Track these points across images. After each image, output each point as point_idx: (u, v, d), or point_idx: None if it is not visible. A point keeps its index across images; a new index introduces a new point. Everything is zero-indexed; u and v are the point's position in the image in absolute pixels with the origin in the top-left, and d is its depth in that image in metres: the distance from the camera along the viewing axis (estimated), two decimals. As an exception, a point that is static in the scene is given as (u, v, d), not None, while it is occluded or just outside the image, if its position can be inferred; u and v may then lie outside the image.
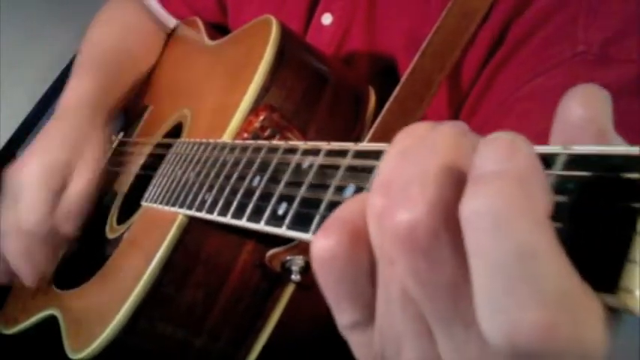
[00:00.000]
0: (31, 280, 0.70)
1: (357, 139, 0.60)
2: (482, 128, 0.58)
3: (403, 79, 0.58)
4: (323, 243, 0.24)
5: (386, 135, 0.57)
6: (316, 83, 0.58)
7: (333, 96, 0.59)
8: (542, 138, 0.50)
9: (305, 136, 0.55)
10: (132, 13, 0.93)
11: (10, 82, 1.10)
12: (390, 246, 0.21)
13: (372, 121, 0.60)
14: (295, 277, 0.52)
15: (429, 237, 0.20)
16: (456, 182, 0.21)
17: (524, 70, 0.55)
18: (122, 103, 0.85)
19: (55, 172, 0.70)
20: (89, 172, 0.72)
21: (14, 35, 1.11)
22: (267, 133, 0.53)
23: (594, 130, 0.21)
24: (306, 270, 0.51)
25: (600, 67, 0.52)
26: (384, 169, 0.24)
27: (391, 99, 0.57)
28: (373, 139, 0.57)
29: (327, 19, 0.71)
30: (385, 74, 0.67)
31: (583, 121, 0.21)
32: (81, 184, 0.71)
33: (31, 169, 0.70)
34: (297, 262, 0.52)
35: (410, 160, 0.22)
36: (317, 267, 0.24)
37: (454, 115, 0.63)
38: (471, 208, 0.19)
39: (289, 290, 0.54)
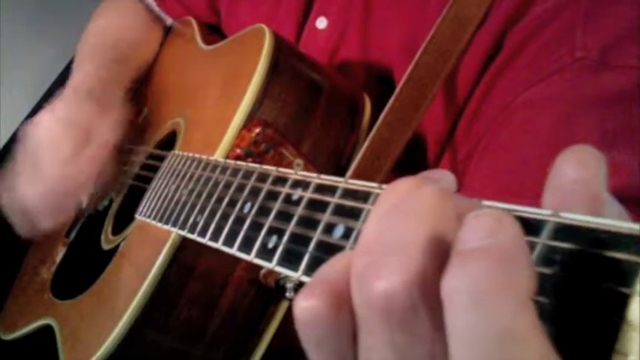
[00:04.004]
0: (45, 228, 0.71)
1: (353, 149, 0.60)
2: (482, 137, 0.57)
3: (398, 88, 0.57)
4: (306, 304, 0.23)
5: (382, 146, 0.56)
6: (310, 94, 0.58)
7: (327, 107, 0.58)
8: (544, 148, 0.50)
9: (299, 150, 0.54)
10: (130, 8, 0.92)
11: (10, 82, 1.10)
12: (368, 314, 0.21)
13: (368, 130, 0.60)
14: (290, 294, 0.52)
15: (406, 310, 0.20)
16: (437, 254, 0.20)
17: (523, 77, 0.54)
18: (128, 85, 0.83)
19: (80, 127, 0.70)
20: (111, 133, 0.72)
21: (14, 35, 1.11)
22: (260, 148, 0.53)
23: (586, 194, 0.20)
24: (301, 287, 0.51)
25: (600, 74, 0.51)
26: (367, 230, 0.23)
27: (386, 109, 0.57)
28: (369, 150, 0.56)
29: (321, 22, 0.70)
30: (381, 79, 0.66)
31: (575, 184, 0.21)
32: (103, 139, 0.71)
33: (57, 119, 0.70)
34: (291, 279, 0.51)
35: (391, 224, 0.22)
36: (299, 327, 0.24)
37: (452, 124, 0.62)
38: (452, 285, 0.19)
39: (284, 306, 0.54)
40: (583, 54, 0.51)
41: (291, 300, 0.52)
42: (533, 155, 0.51)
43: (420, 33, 0.59)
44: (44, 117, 0.71)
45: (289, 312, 0.54)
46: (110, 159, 0.72)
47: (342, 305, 0.23)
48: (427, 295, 0.20)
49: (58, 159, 0.68)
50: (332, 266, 0.24)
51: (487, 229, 0.19)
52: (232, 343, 0.54)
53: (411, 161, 0.61)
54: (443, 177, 0.25)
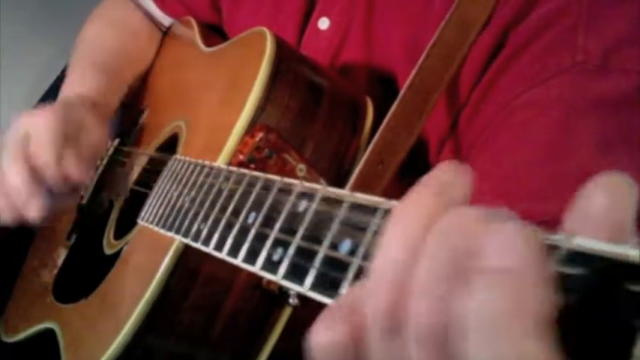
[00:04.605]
0: (34, 217, 0.65)
1: (356, 153, 0.59)
2: (479, 135, 0.57)
3: (401, 93, 0.57)
4: (324, 335, 0.23)
5: (385, 150, 0.56)
6: (312, 98, 0.57)
7: (329, 111, 0.58)
8: (542, 152, 0.50)
9: (302, 156, 0.54)
10: (126, 13, 0.92)
11: (10, 82, 1.09)
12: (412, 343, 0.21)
13: (371, 134, 0.59)
14: (293, 300, 0.52)
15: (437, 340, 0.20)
16: (453, 291, 0.20)
17: (523, 78, 0.54)
18: (117, 103, 0.84)
19: (69, 123, 0.68)
20: (100, 135, 0.71)
21: (14, 36, 1.10)
22: (263, 154, 0.52)
23: (613, 224, 0.20)
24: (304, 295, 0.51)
25: (600, 77, 0.51)
26: (379, 263, 0.23)
27: (389, 114, 0.56)
28: (373, 155, 0.56)
29: (323, 23, 0.69)
30: (384, 81, 0.65)
31: (604, 212, 0.20)
32: (93, 139, 0.70)
33: (46, 116, 0.67)
34: (295, 286, 0.51)
35: (405, 259, 0.22)
36: (317, 357, 0.23)
37: (452, 123, 0.62)
38: (469, 308, 0.19)
39: (287, 312, 0.54)
40: (584, 57, 0.51)
41: (294, 307, 0.52)
42: (530, 158, 0.51)
43: (423, 35, 0.59)
44: (39, 111, 0.69)
45: (292, 317, 0.54)
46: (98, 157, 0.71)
47: (362, 339, 0.23)
48: (440, 337, 0.20)
49: (54, 139, 0.65)
50: (351, 296, 0.24)
51: (505, 248, 0.19)
52: (236, 348, 0.54)
53: (415, 165, 0.61)
54: (454, 180, 0.24)
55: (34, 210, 0.64)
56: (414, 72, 0.56)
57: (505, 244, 0.19)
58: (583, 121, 0.49)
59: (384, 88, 0.65)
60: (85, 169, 0.67)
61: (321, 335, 0.23)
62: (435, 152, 0.64)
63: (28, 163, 0.64)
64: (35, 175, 0.64)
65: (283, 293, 0.52)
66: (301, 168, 0.53)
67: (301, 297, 0.51)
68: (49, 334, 0.68)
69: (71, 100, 0.74)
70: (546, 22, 0.54)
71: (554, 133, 0.50)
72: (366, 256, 0.28)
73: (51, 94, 1.07)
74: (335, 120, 0.58)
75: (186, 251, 0.51)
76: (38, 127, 0.66)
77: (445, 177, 0.23)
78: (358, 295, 0.24)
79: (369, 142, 0.57)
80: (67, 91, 0.79)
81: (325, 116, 0.57)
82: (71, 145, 0.67)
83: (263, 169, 0.51)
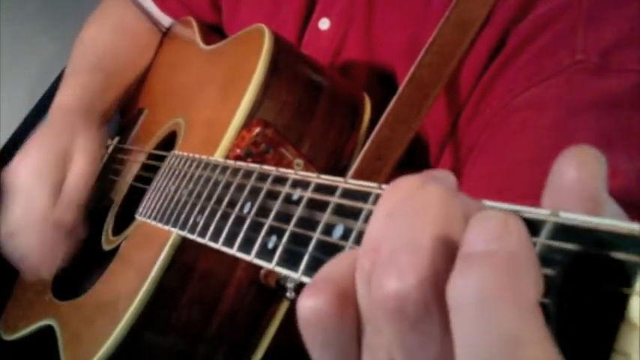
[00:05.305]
0: (48, 273, 0.71)
1: (353, 149, 0.60)
2: (479, 136, 0.57)
3: (400, 90, 0.57)
4: (309, 303, 0.23)
5: (383, 146, 0.56)
6: (310, 95, 0.58)
7: (327, 107, 0.58)
8: (540, 151, 0.50)
9: (299, 151, 0.54)
10: (126, 13, 0.92)
11: (10, 82, 1.09)
12: (377, 314, 0.21)
13: (369, 131, 0.60)
14: (290, 294, 0.52)
15: (418, 310, 0.20)
16: (447, 254, 0.20)
17: (522, 77, 0.54)
18: (115, 104, 0.84)
19: (54, 164, 0.70)
20: (86, 162, 0.72)
21: (14, 36, 1.11)
22: (260, 148, 0.53)
23: (586, 195, 0.20)
24: (301, 287, 0.51)
25: (599, 77, 0.51)
26: (371, 229, 0.23)
27: (388, 109, 0.56)
28: (370, 151, 0.56)
29: (324, 24, 0.69)
30: (383, 80, 0.66)
31: (575, 184, 0.20)
32: (79, 173, 0.71)
33: (30, 165, 0.70)
34: (292, 279, 0.51)
35: (398, 224, 0.22)
36: (302, 327, 0.23)
37: (453, 123, 0.62)
38: (456, 290, 0.19)
39: (285, 306, 0.54)
40: (583, 57, 0.51)
41: (291, 300, 0.52)
42: (528, 157, 0.51)
43: (423, 34, 0.59)
44: (23, 158, 0.72)
45: (290, 312, 0.54)
46: (90, 180, 0.73)
47: (347, 304, 0.23)
48: (439, 295, 0.20)
49: (44, 195, 0.69)
50: (335, 265, 0.24)
51: (493, 232, 0.19)
52: (233, 343, 0.54)
53: (412, 162, 0.61)
54: (445, 177, 0.24)
55: (48, 271, 0.71)
56: (413, 68, 0.56)
57: (492, 230, 0.19)
58: (581, 121, 0.49)
59: (384, 87, 0.65)
60: (78, 210, 0.70)
61: (306, 303, 0.23)
62: (435, 153, 0.64)
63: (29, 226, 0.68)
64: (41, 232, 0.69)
65: (280, 287, 0.52)
66: (298, 163, 0.53)
67: (298, 290, 0.51)
68: (49, 331, 0.69)
69: (57, 123, 0.75)
70: (545, 21, 0.54)
71: (552, 133, 0.50)
72: (358, 240, 0.28)
73: (51, 94, 1.07)
74: (333, 116, 0.58)
75: (183, 245, 0.52)
76: (26, 186, 0.69)
77: (432, 173, 0.24)
78: (345, 264, 0.24)
79: (366, 139, 0.57)
80: (62, 97, 0.80)
81: (323, 112, 0.58)
82: (60, 190, 0.70)
83: (260, 164, 0.51)
